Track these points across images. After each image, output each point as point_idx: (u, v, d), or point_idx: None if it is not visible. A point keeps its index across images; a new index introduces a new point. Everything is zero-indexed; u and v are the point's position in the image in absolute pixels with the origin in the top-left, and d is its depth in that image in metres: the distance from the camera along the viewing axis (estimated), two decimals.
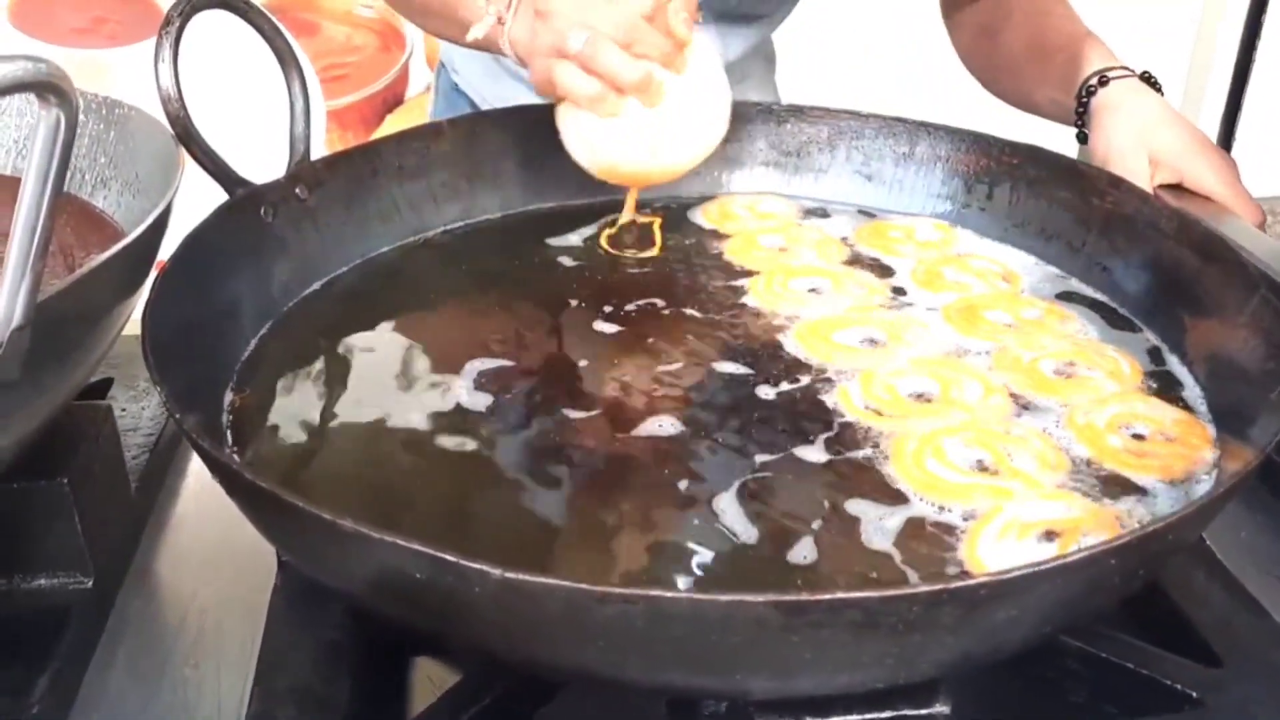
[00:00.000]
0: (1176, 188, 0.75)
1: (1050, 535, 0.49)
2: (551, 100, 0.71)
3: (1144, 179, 0.74)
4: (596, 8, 0.66)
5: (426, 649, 0.56)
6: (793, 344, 0.63)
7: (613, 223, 0.77)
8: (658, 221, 0.77)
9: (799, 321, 0.65)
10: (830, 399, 0.59)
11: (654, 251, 0.75)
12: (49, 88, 0.38)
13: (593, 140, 0.70)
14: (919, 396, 0.58)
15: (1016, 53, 0.91)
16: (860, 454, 0.55)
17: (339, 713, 0.49)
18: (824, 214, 0.79)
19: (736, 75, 0.80)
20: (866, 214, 0.79)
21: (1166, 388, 0.60)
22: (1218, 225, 0.65)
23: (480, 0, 0.72)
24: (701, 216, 0.79)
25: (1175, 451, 0.54)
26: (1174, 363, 0.62)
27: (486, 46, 0.73)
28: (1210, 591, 0.56)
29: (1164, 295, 0.65)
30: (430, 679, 0.56)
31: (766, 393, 0.60)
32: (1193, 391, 0.59)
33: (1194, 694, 0.50)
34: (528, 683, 0.51)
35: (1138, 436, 0.55)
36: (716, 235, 0.77)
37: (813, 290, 0.68)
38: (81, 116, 0.69)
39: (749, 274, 0.71)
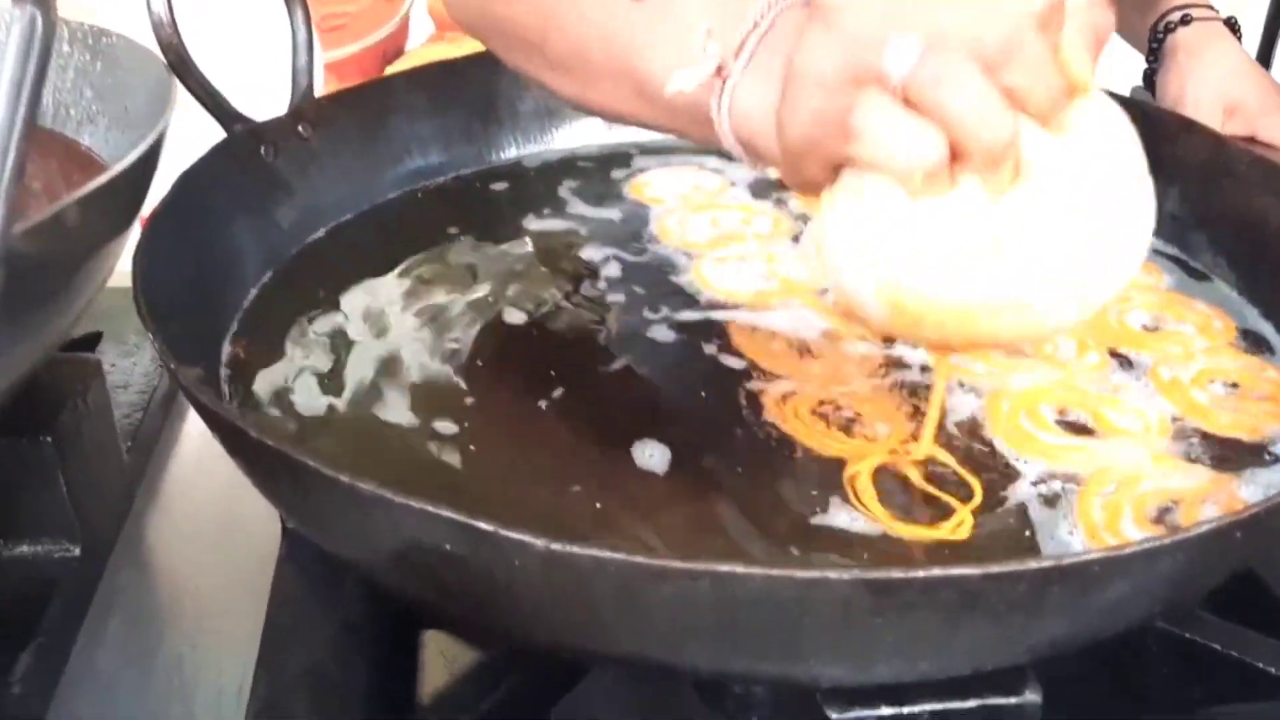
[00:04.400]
0: (1248, 140, 0.71)
1: (1167, 508, 0.45)
2: (798, 191, 0.43)
3: (1215, 128, 0.70)
4: (935, 2, 0.36)
5: (439, 623, 0.52)
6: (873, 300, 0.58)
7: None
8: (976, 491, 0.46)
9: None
10: (917, 356, 0.54)
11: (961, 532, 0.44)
12: None
13: (886, 249, 0.38)
14: (1012, 352, 0.54)
15: None
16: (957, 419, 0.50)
17: (352, 694, 0.44)
18: None
19: None
20: None
21: (1257, 344, 0.55)
22: None
23: (693, 34, 0.42)
24: None
25: (1267, 410, 0.50)
26: (1254, 315, 0.58)
27: (681, 123, 0.45)
28: None
29: (1244, 247, 0.60)
30: (442, 654, 0.51)
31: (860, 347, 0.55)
32: None
33: None
34: (555, 664, 0.47)
35: (1227, 393, 0.51)
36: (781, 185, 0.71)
37: None
38: (66, 46, 0.64)
39: None
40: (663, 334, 0.57)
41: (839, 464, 0.48)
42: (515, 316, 0.58)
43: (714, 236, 0.65)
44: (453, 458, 0.48)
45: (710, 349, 0.56)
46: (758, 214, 0.67)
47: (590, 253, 0.64)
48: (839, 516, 0.45)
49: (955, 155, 0.36)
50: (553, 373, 0.54)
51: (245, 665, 0.49)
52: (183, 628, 0.52)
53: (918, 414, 0.50)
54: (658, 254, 0.64)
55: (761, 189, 0.70)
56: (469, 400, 0.52)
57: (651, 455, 0.48)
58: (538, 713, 0.47)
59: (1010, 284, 0.38)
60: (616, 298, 0.60)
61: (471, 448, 0.49)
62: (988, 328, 0.39)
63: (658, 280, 0.62)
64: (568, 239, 0.66)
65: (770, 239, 0.65)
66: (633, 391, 0.53)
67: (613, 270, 0.63)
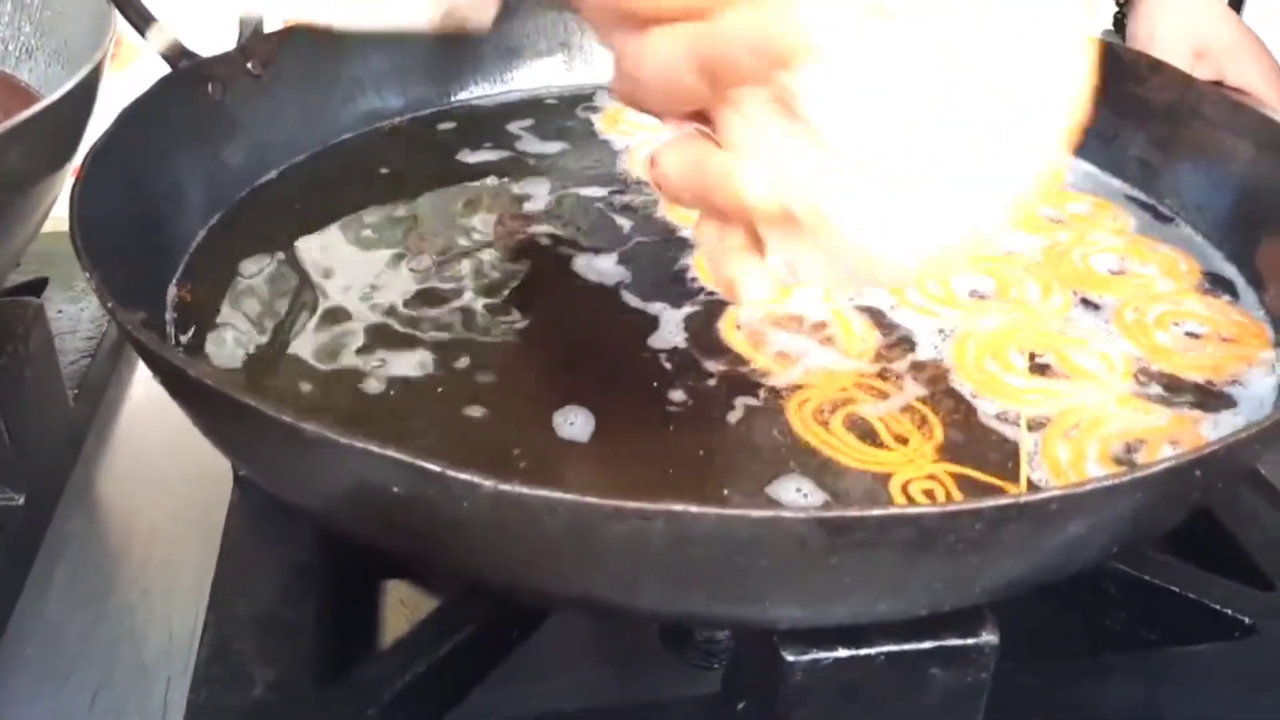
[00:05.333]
0: (1216, 84, 0.70)
1: (1131, 448, 0.44)
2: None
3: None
4: None
5: (399, 572, 0.52)
6: None
7: None
8: None
9: None
10: (881, 295, 0.53)
11: None
12: None
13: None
14: (975, 294, 0.53)
15: None
16: (918, 358, 0.49)
17: (305, 640, 0.44)
18: None
19: None
20: None
21: (1221, 287, 0.55)
22: None
23: None
24: None
25: (1230, 352, 0.50)
26: (1219, 258, 0.57)
27: None
28: (1257, 509, 0.52)
29: (1211, 188, 0.59)
30: (403, 603, 0.51)
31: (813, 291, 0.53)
32: (1246, 290, 0.54)
33: (1246, 619, 0.46)
34: (514, 609, 0.46)
35: (1191, 335, 0.51)
36: None
37: None
38: None
39: None
40: (593, 274, 0.54)
41: (783, 430, 0.45)
42: (429, 261, 0.55)
43: None
44: (370, 426, 0.44)
45: (634, 299, 0.52)
46: None
47: (526, 188, 0.62)
48: (786, 491, 0.42)
49: None
50: (467, 326, 0.50)
51: (196, 612, 0.48)
52: (132, 575, 0.51)
53: (882, 350, 0.49)
54: (600, 188, 0.62)
55: None
56: (379, 361, 0.48)
57: (573, 423, 0.45)
58: (497, 658, 0.46)
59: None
60: (542, 229, 0.58)
61: (385, 414, 0.45)
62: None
63: (591, 215, 0.60)
64: (506, 173, 0.64)
65: None
66: (553, 347, 0.50)
67: (544, 205, 0.60)
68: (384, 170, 0.63)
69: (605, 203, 0.61)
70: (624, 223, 0.59)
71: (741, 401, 0.46)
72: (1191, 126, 0.61)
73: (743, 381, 0.47)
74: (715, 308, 0.52)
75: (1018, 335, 0.50)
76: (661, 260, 0.56)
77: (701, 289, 0.53)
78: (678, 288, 0.53)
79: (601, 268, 0.55)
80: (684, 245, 0.57)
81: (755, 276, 0.36)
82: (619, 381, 0.47)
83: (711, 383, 0.47)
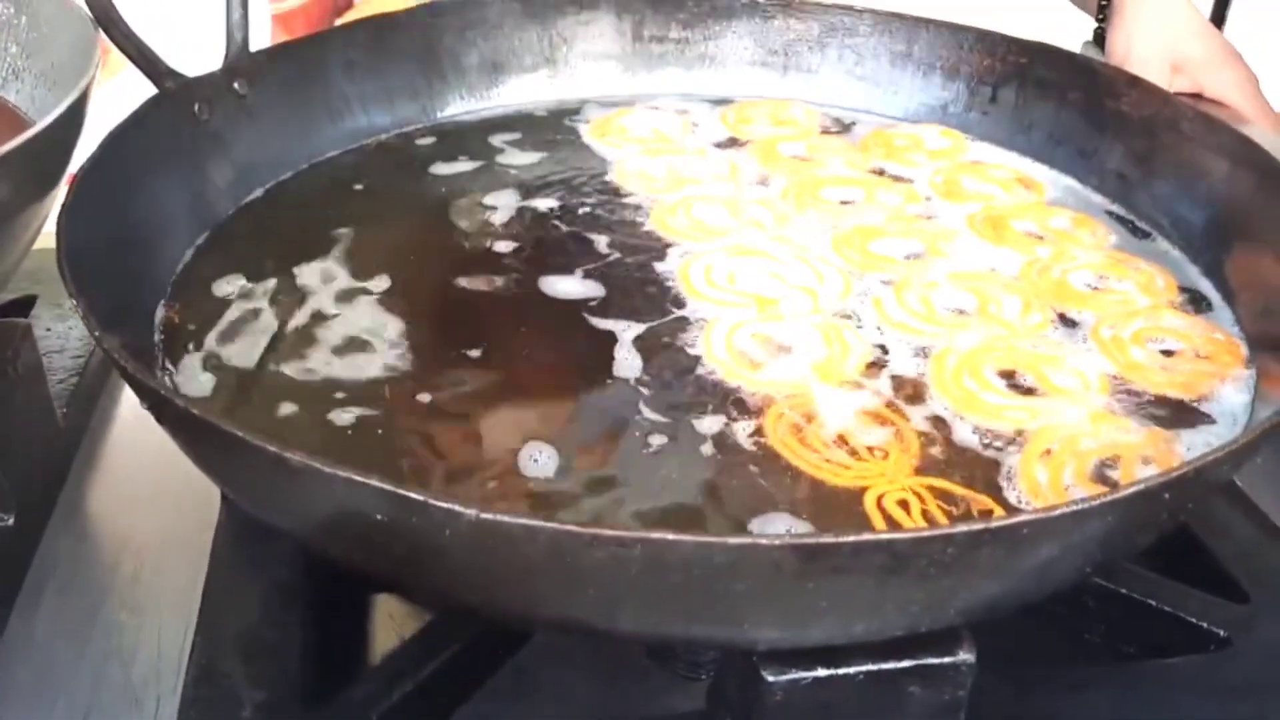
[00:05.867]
0: (1194, 97, 0.70)
1: (1107, 466, 0.45)
2: None
3: (1162, 86, 0.70)
4: None
5: (389, 587, 0.52)
6: (828, 253, 0.58)
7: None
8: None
9: (832, 232, 0.60)
10: (864, 311, 0.53)
11: None
12: None
13: None
14: (956, 311, 0.54)
15: None
16: (898, 373, 0.50)
17: (291, 659, 0.44)
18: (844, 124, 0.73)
19: None
20: (880, 121, 0.73)
21: (1197, 303, 0.56)
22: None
23: None
24: (719, 122, 0.72)
25: (1205, 369, 0.50)
26: (1195, 274, 0.58)
27: None
28: (1233, 522, 0.52)
29: (1186, 203, 0.60)
30: (391, 617, 0.51)
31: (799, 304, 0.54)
32: (1222, 306, 0.55)
33: (1221, 632, 0.47)
34: (500, 625, 0.46)
35: (1166, 352, 0.51)
36: (734, 142, 0.70)
37: (845, 201, 0.63)
38: None
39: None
40: (559, 293, 0.54)
41: (758, 455, 0.45)
42: (386, 283, 0.55)
43: (667, 180, 0.65)
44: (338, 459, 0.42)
45: (600, 320, 0.52)
46: (716, 159, 0.67)
47: (495, 199, 0.62)
48: (769, 521, 0.42)
49: None
50: (428, 357, 0.50)
51: (185, 630, 0.48)
52: (121, 594, 0.52)
53: (861, 367, 0.50)
54: (561, 199, 0.62)
55: (724, 140, 0.70)
56: (343, 394, 0.48)
57: (536, 459, 0.44)
58: (483, 675, 0.47)
59: None
60: (505, 246, 0.58)
61: (352, 448, 0.45)
62: None
63: (559, 228, 0.60)
64: (475, 185, 0.64)
65: (729, 182, 0.65)
66: (518, 377, 0.49)
67: (509, 216, 0.61)
68: (357, 186, 0.64)
69: (578, 213, 0.61)
70: (599, 237, 0.59)
71: (717, 422, 0.47)
72: (1168, 141, 0.62)
73: (718, 400, 0.48)
74: (689, 327, 0.52)
75: (995, 353, 0.50)
76: (638, 276, 0.56)
77: (676, 307, 0.53)
78: (652, 305, 0.54)
79: (566, 288, 0.55)
80: (663, 257, 0.57)
81: None
82: (585, 412, 0.47)
83: (684, 404, 0.47)
